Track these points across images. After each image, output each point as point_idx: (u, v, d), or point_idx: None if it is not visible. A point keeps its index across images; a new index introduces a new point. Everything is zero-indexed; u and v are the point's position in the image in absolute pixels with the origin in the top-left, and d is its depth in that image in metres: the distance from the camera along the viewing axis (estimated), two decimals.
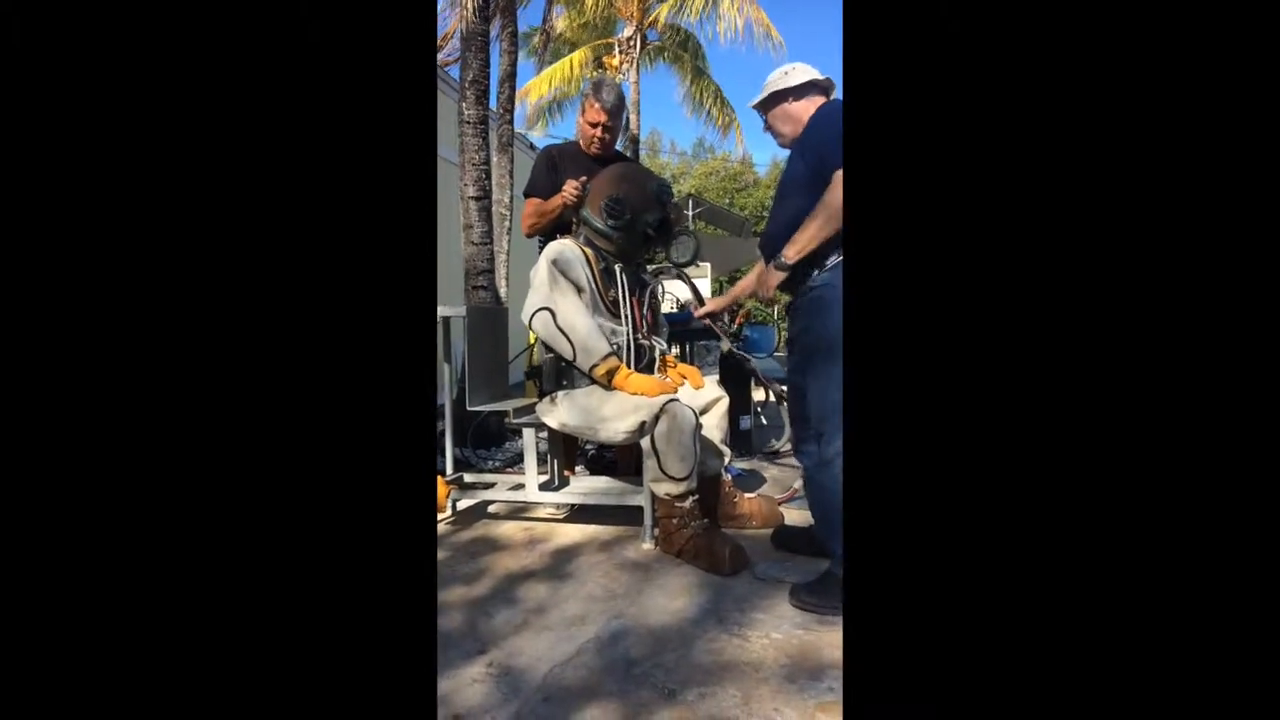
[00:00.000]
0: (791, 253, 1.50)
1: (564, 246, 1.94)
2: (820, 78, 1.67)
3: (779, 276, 1.56)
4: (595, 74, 10.10)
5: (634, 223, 1.94)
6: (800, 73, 1.67)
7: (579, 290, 1.90)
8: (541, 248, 2.16)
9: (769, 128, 1.71)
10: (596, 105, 2.20)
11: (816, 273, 1.50)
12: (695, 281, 2.91)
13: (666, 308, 2.41)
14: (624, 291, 1.98)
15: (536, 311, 1.88)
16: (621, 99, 2.29)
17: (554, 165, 2.26)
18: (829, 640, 1.31)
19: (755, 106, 1.73)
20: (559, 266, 1.89)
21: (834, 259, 1.48)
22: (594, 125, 2.22)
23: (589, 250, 1.97)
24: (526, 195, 2.29)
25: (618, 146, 2.40)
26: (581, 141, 2.30)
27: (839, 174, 1.40)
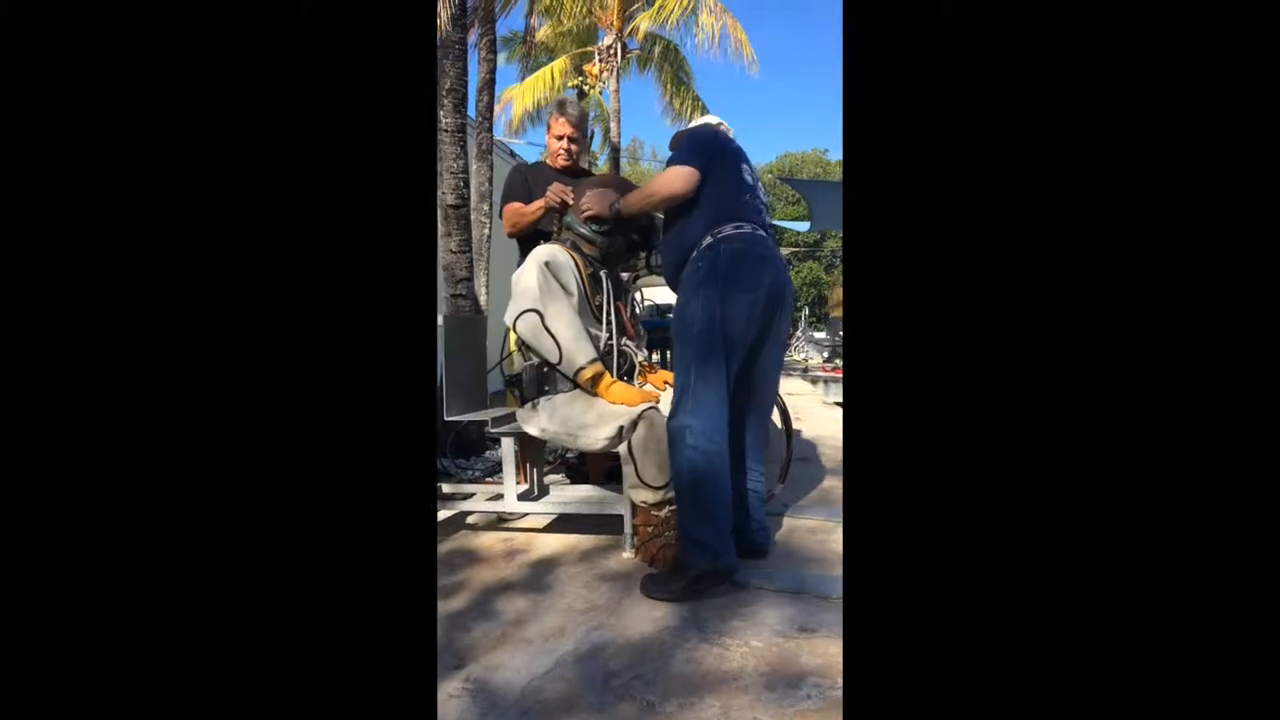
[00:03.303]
0: (621, 203, 1.89)
1: (555, 250, 1.92)
2: (716, 125, 1.91)
3: (605, 207, 1.92)
4: (576, 81, 10.16)
5: (619, 228, 1.97)
6: (706, 119, 1.95)
7: (568, 294, 1.89)
8: (521, 254, 2.17)
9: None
10: (562, 120, 2.43)
11: (694, 254, 1.66)
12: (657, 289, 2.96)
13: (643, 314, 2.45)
14: (609, 297, 1.99)
15: (524, 313, 1.85)
16: (585, 115, 2.56)
17: (525, 181, 2.43)
18: (808, 648, 1.31)
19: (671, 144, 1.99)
20: (551, 269, 1.87)
21: (705, 241, 1.66)
22: (559, 138, 2.44)
23: (576, 255, 1.96)
24: (505, 202, 2.42)
25: (598, 163, 2.54)
26: (549, 157, 2.49)
27: (671, 166, 1.72)
